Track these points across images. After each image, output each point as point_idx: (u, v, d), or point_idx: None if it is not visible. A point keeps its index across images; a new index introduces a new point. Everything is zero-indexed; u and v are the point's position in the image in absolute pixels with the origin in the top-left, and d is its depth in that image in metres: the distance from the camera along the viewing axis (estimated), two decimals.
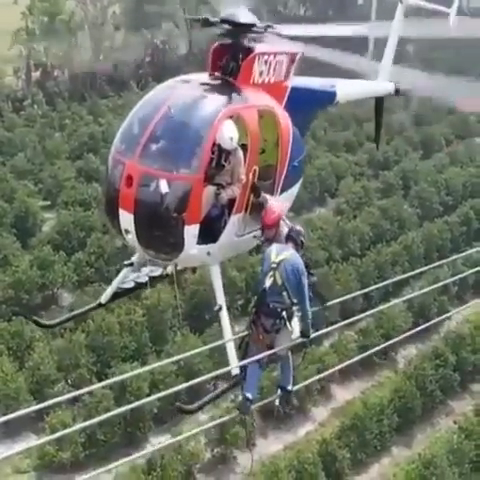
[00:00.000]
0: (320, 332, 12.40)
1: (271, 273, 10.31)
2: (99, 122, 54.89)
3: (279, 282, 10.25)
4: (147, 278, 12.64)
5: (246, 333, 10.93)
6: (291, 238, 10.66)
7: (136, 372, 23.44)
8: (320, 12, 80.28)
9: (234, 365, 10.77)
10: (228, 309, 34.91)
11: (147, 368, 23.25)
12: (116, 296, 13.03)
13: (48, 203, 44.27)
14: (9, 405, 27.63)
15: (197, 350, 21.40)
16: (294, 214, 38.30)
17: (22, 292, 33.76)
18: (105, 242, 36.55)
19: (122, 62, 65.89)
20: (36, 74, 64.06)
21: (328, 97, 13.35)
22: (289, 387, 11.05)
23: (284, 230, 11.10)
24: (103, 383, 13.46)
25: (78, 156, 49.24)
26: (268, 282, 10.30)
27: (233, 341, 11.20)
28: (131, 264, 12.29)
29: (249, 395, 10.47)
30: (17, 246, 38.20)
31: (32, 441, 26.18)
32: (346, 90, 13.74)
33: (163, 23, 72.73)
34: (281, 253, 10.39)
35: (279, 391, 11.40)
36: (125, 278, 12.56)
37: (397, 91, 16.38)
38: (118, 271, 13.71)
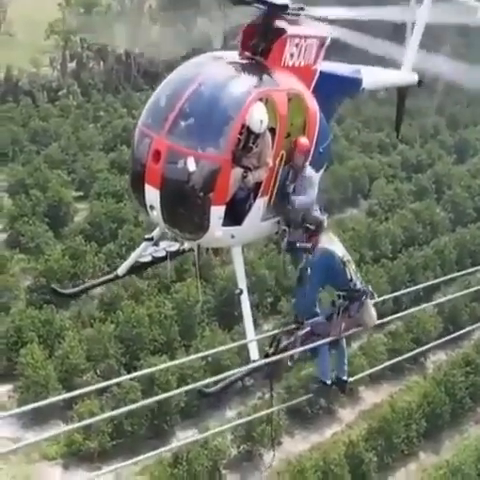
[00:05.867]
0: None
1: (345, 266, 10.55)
2: (133, 115, 54.92)
3: (349, 277, 10.55)
4: (165, 252, 12.50)
5: (276, 331, 10.89)
6: None
7: (165, 365, 23.49)
8: None
9: (253, 350, 10.63)
10: (257, 307, 34.51)
11: (175, 362, 23.39)
12: (134, 269, 12.87)
13: (81, 194, 44.48)
14: (38, 392, 27.83)
15: (226, 347, 21.51)
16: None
17: (53, 281, 33.85)
18: (137, 234, 36.63)
19: (157, 56, 65.97)
20: (72, 65, 64.47)
21: (355, 84, 13.00)
22: (344, 377, 11.20)
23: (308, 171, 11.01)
24: (132, 375, 13.45)
25: (111, 148, 49.44)
26: (349, 272, 10.52)
27: (253, 326, 11.18)
28: (151, 239, 12.15)
29: (328, 381, 10.76)
30: (49, 235, 38.53)
31: (60, 429, 26.40)
32: (372, 77, 13.30)
33: (198, 18, 72.70)
34: None
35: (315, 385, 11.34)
36: (143, 252, 12.45)
37: (420, 82, 16.09)
38: None
